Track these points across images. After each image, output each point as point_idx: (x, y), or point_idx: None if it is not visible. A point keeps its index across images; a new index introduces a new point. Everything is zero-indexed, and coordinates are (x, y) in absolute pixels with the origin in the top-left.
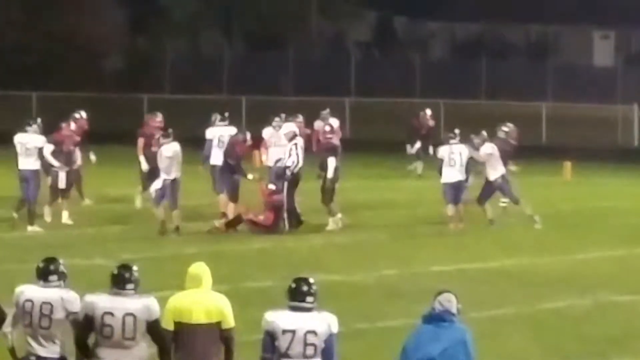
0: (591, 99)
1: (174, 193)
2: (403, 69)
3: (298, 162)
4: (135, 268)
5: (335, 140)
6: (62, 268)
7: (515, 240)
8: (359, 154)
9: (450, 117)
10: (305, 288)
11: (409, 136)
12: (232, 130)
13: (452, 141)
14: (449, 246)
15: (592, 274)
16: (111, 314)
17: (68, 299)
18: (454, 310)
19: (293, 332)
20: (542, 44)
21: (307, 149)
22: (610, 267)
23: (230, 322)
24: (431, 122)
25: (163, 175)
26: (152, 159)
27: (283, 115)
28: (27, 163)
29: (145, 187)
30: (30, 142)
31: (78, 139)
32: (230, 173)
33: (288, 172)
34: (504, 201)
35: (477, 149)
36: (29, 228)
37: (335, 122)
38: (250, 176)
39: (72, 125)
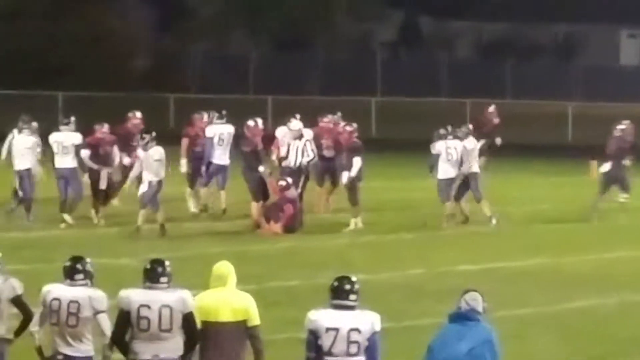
0: (617, 98)
1: (157, 194)
2: (429, 68)
3: (314, 157)
4: (167, 263)
5: (359, 140)
6: (88, 267)
7: (540, 240)
8: (385, 154)
9: (476, 116)
10: (347, 286)
11: (475, 133)
12: (231, 127)
13: (448, 137)
14: (474, 246)
15: (617, 274)
16: (147, 306)
17: (95, 298)
18: (480, 309)
19: (336, 330)
20: (569, 44)
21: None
22: (636, 266)
23: (255, 320)
24: (496, 120)
25: (151, 177)
26: (196, 159)
27: (298, 116)
28: (65, 161)
29: (193, 187)
30: (67, 140)
31: (114, 139)
32: (253, 169)
33: (302, 169)
34: (623, 197)
35: (463, 140)
36: (65, 216)
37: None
38: (261, 168)
39: (105, 128)
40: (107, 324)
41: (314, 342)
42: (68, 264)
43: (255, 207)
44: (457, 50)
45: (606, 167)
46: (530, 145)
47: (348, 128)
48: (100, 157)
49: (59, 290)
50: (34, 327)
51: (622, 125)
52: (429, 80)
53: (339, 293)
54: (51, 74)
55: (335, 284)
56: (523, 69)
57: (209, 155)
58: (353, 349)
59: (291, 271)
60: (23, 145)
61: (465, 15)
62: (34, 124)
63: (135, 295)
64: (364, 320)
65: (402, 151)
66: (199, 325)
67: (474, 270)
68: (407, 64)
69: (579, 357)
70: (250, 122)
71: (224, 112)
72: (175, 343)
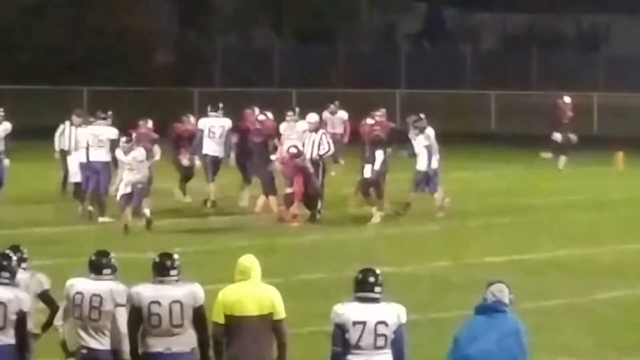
0: None
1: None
2: (453, 60)
3: (329, 149)
4: (176, 256)
5: (381, 133)
6: (113, 261)
7: (567, 231)
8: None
9: (501, 107)
10: (372, 279)
11: (551, 125)
12: (226, 121)
13: (424, 126)
14: (500, 237)
15: None
16: (158, 302)
17: (117, 291)
18: (506, 301)
19: (364, 323)
20: (594, 34)
21: (352, 142)
22: None
23: (281, 313)
24: (570, 112)
25: (136, 178)
26: (245, 153)
27: (297, 109)
28: (99, 155)
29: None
30: (103, 134)
31: (155, 136)
32: (264, 160)
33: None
34: None
35: (422, 132)
36: (100, 219)
37: (344, 115)
38: (273, 157)
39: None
40: (123, 318)
41: (340, 336)
42: (94, 258)
43: (273, 201)
44: (481, 42)
45: None
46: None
47: (369, 121)
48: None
49: (82, 284)
50: (57, 321)
51: None
52: (454, 72)
53: (364, 286)
54: (76, 68)
55: (360, 276)
56: (547, 59)
57: (195, 147)
58: (380, 342)
59: (317, 264)
60: (106, 136)
61: (489, 6)
62: (109, 113)
63: (145, 292)
64: (391, 313)
65: None
66: (223, 319)
67: (501, 261)
68: (431, 56)
69: (608, 348)
70: (261, 116)
71: (220, 105)
72: (188, 337)
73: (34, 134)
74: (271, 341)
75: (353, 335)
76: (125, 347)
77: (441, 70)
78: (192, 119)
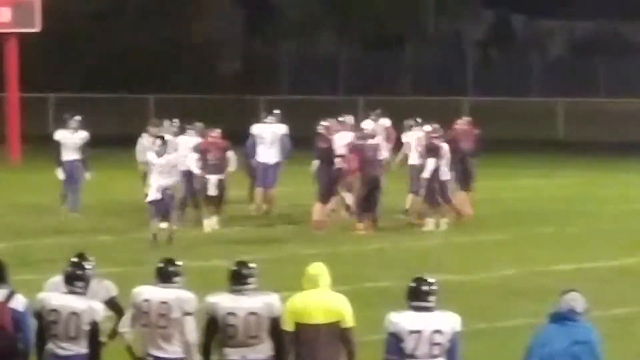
0: None
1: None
2: (521, 68)
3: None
4: (253, 264)
5: (438, 141)
6: (180, 269)
7: (635, 239)
8: (480, 154)
9: (569, 115)
10: (426, 287)
11: None
12: (278, 127)
13: (421, 127)
14: (568, 245)
15: None
16: (234, 314)
17: (185, 299)
18: (580, 310)
19: (419, 332)
20: None
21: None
22: None
23: (349, 321)
24: None
25: (166, 182)
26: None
27: (277, 111)
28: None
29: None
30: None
31: (225, 144)
32: (328, 164)
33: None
34: None
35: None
36: (205, 221)
37: (387, 122)
38: (337, 160)
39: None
40: (191, 327)
41: (395, 345)
42: (161, 266)
43: (318, 208)
44: (549, 49)
45: None
46: (625, 143)
47: (428, 128)
48: (209, 162)
49: (149, 292)
50: (123, 328)
51: None
52: (521, 80)
53: (418, 295)
54: (142, 76)
55: (413, 285)
56: (616, 66)
57: (249, 153)
58: (436, 350)
59: (383, 272)
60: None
61: (557, 14)
62: (198, 124)
63: (221, 302)
64: (446, 322)
65: (495, 151)
66: (292, 327)
67: (570, 269)
68: (499, 64)
69: None
70: (325, 122)
71: (275, 111)
72: (264, 346)
73: (100, 143)
74: (340, 349)
75: (409, 345)
76: (195, 356)
77: (509, 78)
78: None
